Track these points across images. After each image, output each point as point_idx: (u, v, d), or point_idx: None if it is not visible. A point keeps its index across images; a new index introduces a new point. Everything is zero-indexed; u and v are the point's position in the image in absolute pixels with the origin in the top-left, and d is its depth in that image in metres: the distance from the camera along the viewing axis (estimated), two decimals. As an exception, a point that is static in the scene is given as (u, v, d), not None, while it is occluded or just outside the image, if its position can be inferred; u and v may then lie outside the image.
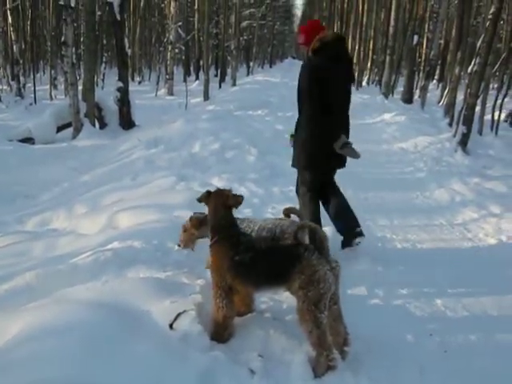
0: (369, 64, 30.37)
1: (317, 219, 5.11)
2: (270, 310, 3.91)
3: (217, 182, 6.83)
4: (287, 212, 4.23)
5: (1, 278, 4.42)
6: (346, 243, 5.15)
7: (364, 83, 29.47)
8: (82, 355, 2.83)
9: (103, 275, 4.08)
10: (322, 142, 4.99)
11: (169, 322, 3.27)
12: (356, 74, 28.13)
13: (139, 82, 36.23)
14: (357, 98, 21.69)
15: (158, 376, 2.86)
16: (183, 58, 40.06)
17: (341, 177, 8.29)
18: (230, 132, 9.79)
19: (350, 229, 5.14)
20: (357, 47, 31.47)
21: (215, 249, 3.40)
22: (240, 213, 5.80)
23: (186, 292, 3.72)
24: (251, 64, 45.24)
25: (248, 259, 3.26)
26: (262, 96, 17.61)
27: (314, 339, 3.10)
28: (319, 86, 4.77)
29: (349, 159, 5.26)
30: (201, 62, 36.77)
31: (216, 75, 37.25)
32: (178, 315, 3.33)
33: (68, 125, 14.17)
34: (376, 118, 15.41)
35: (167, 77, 27.89)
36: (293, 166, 5.33)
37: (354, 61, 30.86)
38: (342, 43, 4.98)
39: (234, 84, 27.32)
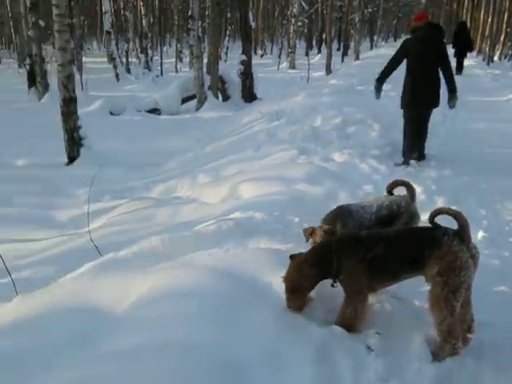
0: (502, 37, 28.59)
1: (412, 145, 7.17)
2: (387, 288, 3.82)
3: (338, 158, 6.76)
4: (392, 187, 4.08)
5: (129, 240, 4.64)
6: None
7: (496, 58, 27.83)
8: (204, 319, 2.91)
9: (225, 243, 4.16)
10: (408, 91, 7.15)
11: None
12: (487, 49, 26.65)
13: (261, 56, 36.58)
14: (487, 73, 20.59)
15: (275, 346, 2.88)
16: (306, 31, 39.80)
17: (470, 158, 7.95)
18: (353, 107, 9.61)
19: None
20: (489, 20, 29.70)
21: (345, 259, 3.27)
22: (361, 189, 5.73)
23: (306, 265, 3.71)
24: (375, 38, 44.17)
25: (381, 251, 3.16)
26: (385, 70, 17.11)
27: (444, 327, 2.98)
28: (406, 55, 7.10)
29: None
30: (323, 36, 36.39)
31: (338, 49, 36.74)
32: None
33: (192, 97, 14.60)
34: (508, 95, 14.53)
35: (289, 50, 27.87)
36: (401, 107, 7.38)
37: (486, 34, 29.19)
38: (430, 29, 7.13)
39: (357, 58, 26.80)
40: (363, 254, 3.17)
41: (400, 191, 4.16)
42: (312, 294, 3.34)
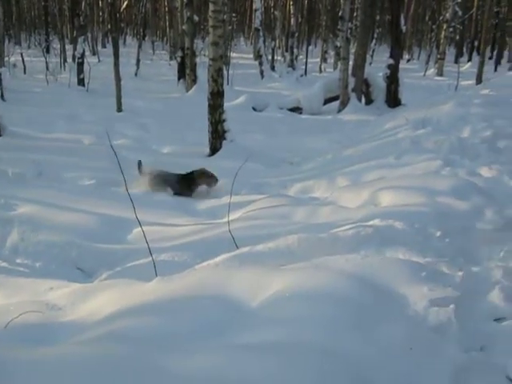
0: None
1: None
2: None
3: (485, 172, 6.40)
4: None
5: (265, 236, 4.67)
6: None
7: None
8: (342, 325, 2.87)
9: (362, 250, 4.09)
10: None
11: None
12: None
13: (408, 60, 35.74)
14: None
15: (408, 361, 2.78)
16: (457, 37, 38.30)
17: None
18: (505, 120, 9.07)
19: None
20: None
21: None
22: (510, 209, 5.36)
23: (445, 282, 3.55)
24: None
25: None
26: (545, 83, 16.07)
27: None
28: None
29: None
30: (475, 43, 34.87)
31: (490, 57, 34.98)
32: None
33: (335, 98, 14.56)
34: None
35: (438, 56, 27.00)
36: None
37: None
38: None
39: (512, 68, 25.39)
40: None
41: None
42: (449, 312, 3.17)
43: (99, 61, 24.30)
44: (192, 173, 7.17)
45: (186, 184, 7.13)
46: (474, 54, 34.06)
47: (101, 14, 40.34)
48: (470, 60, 33.34)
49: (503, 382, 2.84)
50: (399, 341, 2.89)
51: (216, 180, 7.12)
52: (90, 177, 7.33)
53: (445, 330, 3.07)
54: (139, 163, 7.20)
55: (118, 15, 17.44)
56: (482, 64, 19.47)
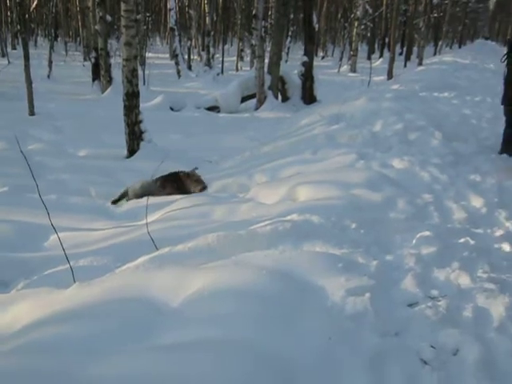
0: None
1: None
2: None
3: (397, 164, 6.64)
4: None
5: (185, 236, 4.66)
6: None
7: None
8: (259, 320, 2.91)
9: (280, 245, 4.15)
10: None
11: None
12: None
13: (322, 58, 36.51)
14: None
15: (328, 351, 2.86)
16: (369, 34, 39.45)
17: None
18: (414, 113, 9.46)
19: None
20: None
21: None
22: (420, 198, 5.60)
23: (360, 271, 3.68)
24: (439, 43, 43.31)
25: None
26: (449, 78, 16.84)
27: None
28: None
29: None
30: (386, 40, 36.02)
31: (401, 53, 36.26)
32: None
33: (252, 96, 14.67)
34: None
35: (351, 53, 27.72)
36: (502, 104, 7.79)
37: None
38: None
39: (420, 63, 26.38)
40: None
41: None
42: (365, 301, 3.28)
43: (9, 63, 23.39)
44: (177, 173, 7.11)
45: (173, 185, 7.03)
46: (385, 50, 35.20)
47: (9, 14, 38.80)
48: (381, 56, 34.42)
49: (417, 363, 2.98)
50: (319, 332, 2.97)
51: (204, 187, 7.03)
52: (1, 184, 7.06)
53: (361, 318, 3.18)
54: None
55: (27, 15, 16.83)
56: (392, 60, 20.14)
